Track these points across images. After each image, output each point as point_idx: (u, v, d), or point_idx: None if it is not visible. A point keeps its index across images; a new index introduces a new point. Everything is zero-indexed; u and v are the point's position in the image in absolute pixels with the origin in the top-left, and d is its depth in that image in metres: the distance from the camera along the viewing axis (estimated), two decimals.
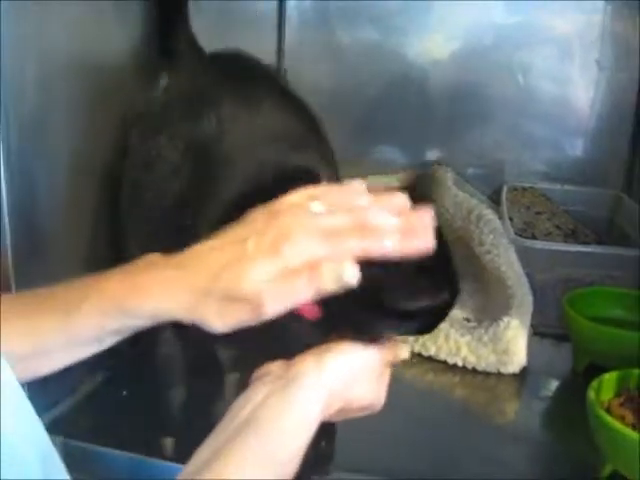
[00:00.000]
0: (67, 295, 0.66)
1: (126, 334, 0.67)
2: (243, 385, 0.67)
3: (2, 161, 0.80)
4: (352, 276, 0.60)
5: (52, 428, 0.88)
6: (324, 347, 0.67)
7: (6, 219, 0.83)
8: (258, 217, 0.64)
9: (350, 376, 0.68)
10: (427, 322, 0.71)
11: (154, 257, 0.66)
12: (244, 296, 0.60)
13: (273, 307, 0.60)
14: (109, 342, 0.68)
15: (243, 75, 0.94)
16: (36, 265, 0.88)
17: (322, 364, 0.65)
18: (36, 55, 0.85)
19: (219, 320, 0.61)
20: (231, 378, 1.01)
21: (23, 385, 0.84)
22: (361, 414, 0.73)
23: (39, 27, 0.85)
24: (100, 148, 0.98)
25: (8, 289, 0.83)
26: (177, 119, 0.89)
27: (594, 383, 0.86)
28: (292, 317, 0.65)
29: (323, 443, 0.88)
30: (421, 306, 0.67)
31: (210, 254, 0.63)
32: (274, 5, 1.59)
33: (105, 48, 1.01)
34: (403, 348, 0.73)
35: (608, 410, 0.83)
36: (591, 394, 0.84)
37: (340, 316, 0.67)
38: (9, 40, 0.78)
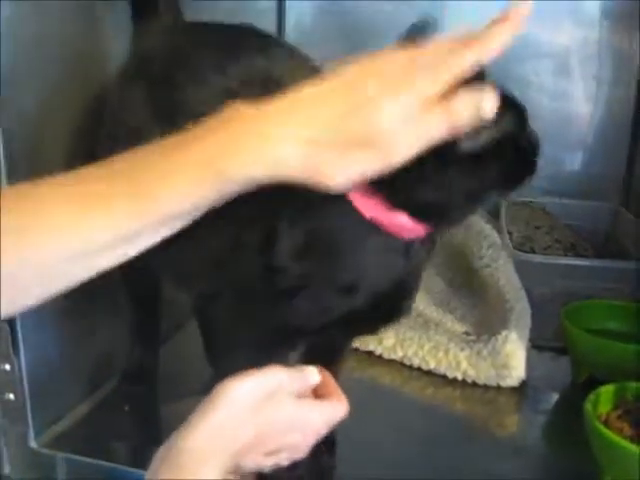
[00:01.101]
0: (144, 175, 0.58)
1: (221, 202, 0.59)
2: None
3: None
4: (490, 106, 0.56)
5: (54, 444, 0.91)
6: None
7: None
8: (354, 69, 0.58)
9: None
10: None
11: (240, 108, 0.57)
12: (374, 140, 0.55)
13: (406, 150, 0.55)
14: (199, 213, 0.60)
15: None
16: None
17: (227, 451, 0.62)
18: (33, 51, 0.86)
19: (340, 173, 0.56)
20: None
21: (25, 400, 0.87)
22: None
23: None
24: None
25: None
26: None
27: (591, 396, 0.86)
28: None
29: (325, 457, 0.89)
30: None
31: (315, 102, 0.56)
32: (274, 21, 1.60)
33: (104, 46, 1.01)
34: (312, 372, 0.69)
35: (606, 422, 0.84)
36: (588, 407, 0.84)
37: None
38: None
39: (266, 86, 0.71)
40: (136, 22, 0.97)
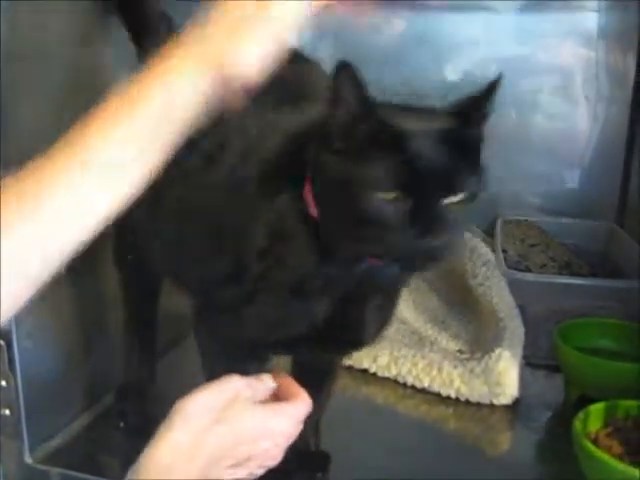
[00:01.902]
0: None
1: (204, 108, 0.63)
2: None
3: None
4: None
5: (49, 459, 0.91)
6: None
7: None
8: None
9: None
10: None
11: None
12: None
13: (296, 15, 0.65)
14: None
15: None
16: None
17: (189, 465, 0.64)
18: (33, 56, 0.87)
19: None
20: None
21: (21, 415, 0.87)
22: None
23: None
24: None
25: None
26: None
27: (580, 414, 0.87)
28: None
29: (318, 474, 0.90)
30: None
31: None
32: None
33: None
34: (267, 378, 0.72)
35: (595, 441, 0.85)
36: (577, 425, 0.85)
37: None
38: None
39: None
40: (138, 44, 0.99)
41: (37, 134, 0.86)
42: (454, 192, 0.65)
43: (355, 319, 0.76)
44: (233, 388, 0.68)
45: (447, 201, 0.65)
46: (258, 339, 0.78)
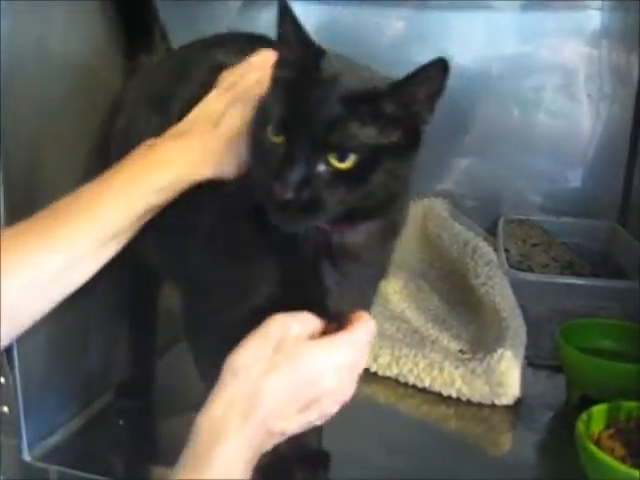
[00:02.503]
0: (88, 197, 0.70)
1: (150, 215, 0.72)
2: None
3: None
4: None
5: (48, 457, 0.91)
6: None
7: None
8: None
9: (286, 402, 0.64)
10: None
11: (152, 140, 0.73)
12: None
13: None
14: (135, 229, 0.73)
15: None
16: None
17: (246, 420, 0.61)
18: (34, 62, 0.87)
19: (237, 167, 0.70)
20: None
21: (19, 413, 0.87)
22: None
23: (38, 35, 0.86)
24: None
25: None
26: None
27: (583, 415, 0.86)
28: None
29: (319, 473, 0.89)
30: None
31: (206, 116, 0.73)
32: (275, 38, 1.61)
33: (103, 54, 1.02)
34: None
35: (598, 442, 0.84)
36: (580, 426, 0.84)
37: None
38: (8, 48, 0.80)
39: None
40: (131, 59, 1.01)
41: (37, 134, 0.87)
42: (332, 149, 0.62)
43: (313, 282, 0.72)
44: (279, 328, 0.65)
45: (334, 161, 0.63)
46: (227, 312, 0.76)
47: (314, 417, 0.67)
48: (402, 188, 0.69)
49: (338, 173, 0.63)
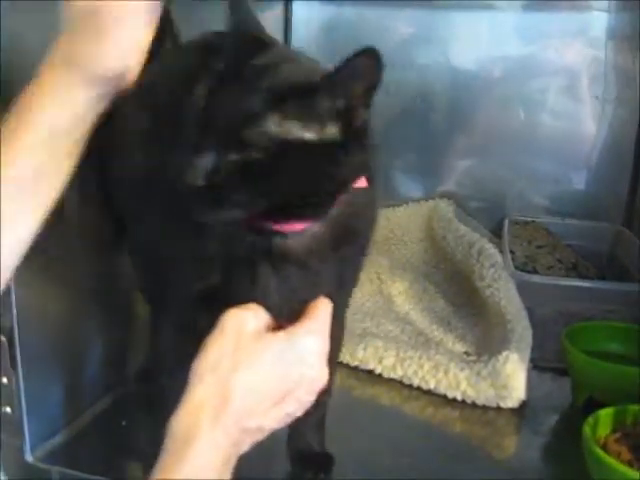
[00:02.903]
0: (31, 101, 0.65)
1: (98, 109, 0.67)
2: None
3: None
4: None
5: (50, 458, 0.91)
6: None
7: None
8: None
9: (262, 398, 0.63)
10: None
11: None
12: None
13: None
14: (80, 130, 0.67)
15: None
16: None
17: (217, 421, 0.61)
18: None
19: None
20: None
21: (22, 413, 0.87)
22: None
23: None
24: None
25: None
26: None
27: (590, 419, 0.86)
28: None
29: (322, 475, 0.88)
30: None
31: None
32: (280, 38, 1.61)
33: None
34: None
35: (604, 446, 0.84)
36: (587, 430, 0.84)
37: None
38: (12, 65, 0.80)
39: None
40: None
41: None
42: (246, 141, 0.60)
43: (250, 282, 0.70)
44: (234, 324, 0.64)
45: (247, 153, 0.61)
46: (181, 290, 0.75)
47: (292, 409, 0.66)
48: (338, 188, 0.65)
49: (252, 165, 0.61)
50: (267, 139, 0.60)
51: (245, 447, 0.64)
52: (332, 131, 0.62)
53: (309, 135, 0.61)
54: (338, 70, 0.61)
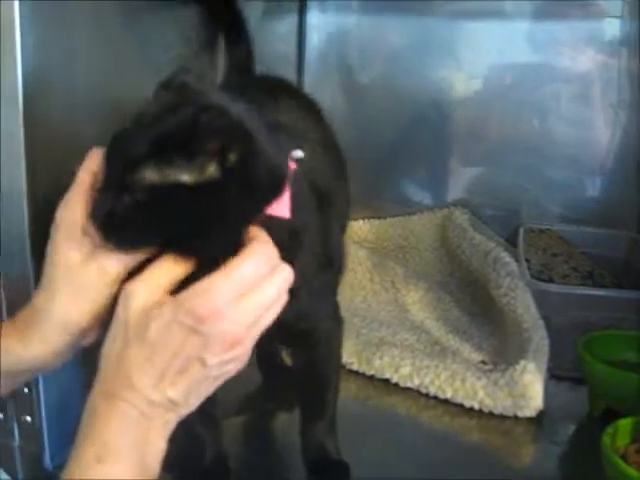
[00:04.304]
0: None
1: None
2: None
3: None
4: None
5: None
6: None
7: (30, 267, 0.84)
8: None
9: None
10: None
11: None
12: None
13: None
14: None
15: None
16: None
17: (114, 397, 0.63)
18: (62, 97, 0.87)
19: None
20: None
21: (42, 422, 0.87)
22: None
23: (64, 70, 0.87)
24: None
25: None
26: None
27: (609, 429, 0.85)
28: None
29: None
30: None
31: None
32: (293, 48, 1.62)
33: (130, 94, 1.03)
34: None
35: (624, 456, 0.83)
36: (606, 440, 0.84)
37: None
38: (35, 87, 0.80)
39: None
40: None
41: (62, 162, 0.88)
42: (130, 184, 0.64)
43: None
44: (122, 303, 0.65)
45: (133, 195, 0.64)
46: None
47: (211, 373, 0.64)
48: (231, 225, 0.66)
49: (139, 206, 0.64)
50: (146, 183, 0.63)
51: (170, 421, 0.64)
52: (210, 171, 0.63)
53: (185, 177, 0.63)
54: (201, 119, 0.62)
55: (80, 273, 0.68)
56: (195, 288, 0.62)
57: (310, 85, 1.63)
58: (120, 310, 0.65)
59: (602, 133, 1.55)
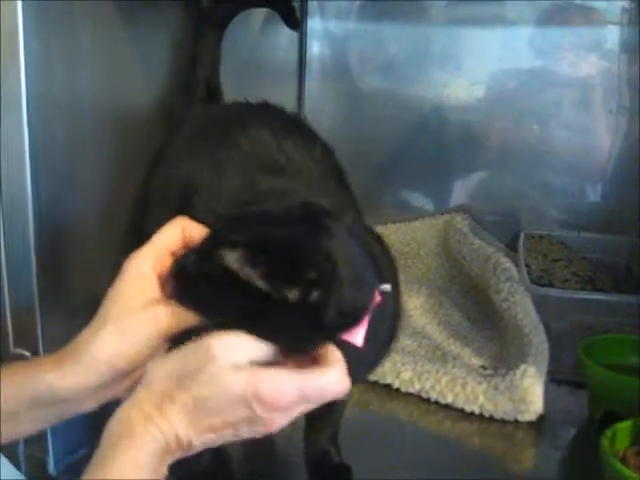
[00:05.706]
0: None
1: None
2: None
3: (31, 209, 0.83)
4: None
5: (73, 472, 0.91)
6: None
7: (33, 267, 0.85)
8: None
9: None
10: None
11: None
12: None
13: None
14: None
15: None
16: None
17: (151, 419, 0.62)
18: (65, 107, 0.88)
19: None
20: None
21: (46, 428, 0.88)
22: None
23: (68, 80, 0.88)
24: (128, 196, 0.99)
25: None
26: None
27: (608, 432, 0.86)
28: None
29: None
30: None
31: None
32: (295, 55, 1.63)
33: (132, 99, 1.04)
34: None
35: (623, 459, 0.84)
36: (605, 443, 0.84)
37: None
38: (39, 93, 0.82)
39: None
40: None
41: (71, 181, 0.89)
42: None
43: None
44: (202, 347, 0.63)
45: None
46: None
47: (225, 438, 0.65)
48: (286, 337, 0.66)
49: (212, 278, 0.65)
50: (225, 265, 0.63)
51: (175, 456, 0.64)
52: (289, 294, 0.62)
53: (261, 284, 0.62)
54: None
55: (134, 318, 0.68)
56: (275, 375, 0.63)
57: (311, 93, 1.64)
58: (201, 353, 0.63)
59: (603, 139, 1.56)
